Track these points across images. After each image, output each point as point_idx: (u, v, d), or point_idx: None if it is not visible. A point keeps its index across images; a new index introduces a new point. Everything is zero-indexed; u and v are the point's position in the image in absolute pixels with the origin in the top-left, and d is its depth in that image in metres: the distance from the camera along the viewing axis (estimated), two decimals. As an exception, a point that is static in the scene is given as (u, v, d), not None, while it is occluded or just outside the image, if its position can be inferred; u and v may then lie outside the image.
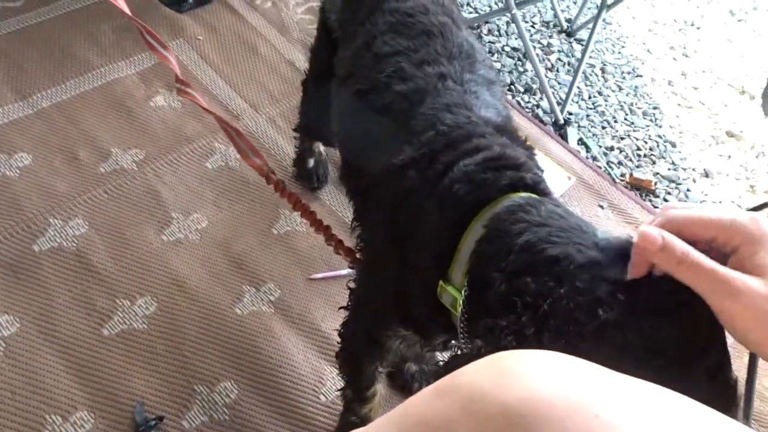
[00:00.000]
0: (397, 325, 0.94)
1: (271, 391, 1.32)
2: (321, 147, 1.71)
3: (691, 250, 0.50)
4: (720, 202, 2.02)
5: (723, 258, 0.53)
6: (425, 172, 0.87)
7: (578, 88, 2.30)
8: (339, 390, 1.20)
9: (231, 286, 1.48)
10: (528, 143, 0.95)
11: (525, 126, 2.02)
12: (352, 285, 1.11)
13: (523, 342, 0.59)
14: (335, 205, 1.70)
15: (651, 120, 2.26)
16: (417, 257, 0.86)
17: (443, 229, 0.82)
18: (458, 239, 0.78)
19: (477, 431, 0.32)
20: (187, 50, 2.03)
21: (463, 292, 0.77)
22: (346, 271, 1.55)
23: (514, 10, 2.05)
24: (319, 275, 1.54)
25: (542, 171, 0.88)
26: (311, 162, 1.69)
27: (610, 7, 2.29)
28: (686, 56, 2.57)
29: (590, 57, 2.43)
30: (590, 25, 2.27)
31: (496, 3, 2.56)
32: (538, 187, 0.82)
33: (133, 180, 1.65)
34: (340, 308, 1.12)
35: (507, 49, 2.40)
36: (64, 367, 1.30)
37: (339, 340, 1.13)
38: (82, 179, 1.63)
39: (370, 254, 1.05)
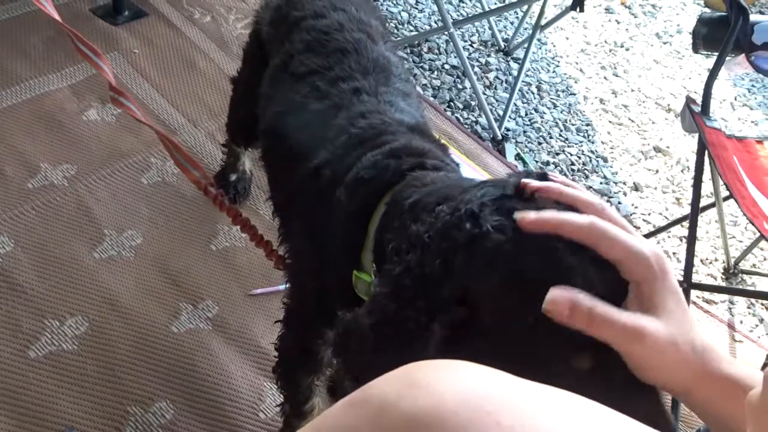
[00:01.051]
0: (325, 331, 0.94)
1: (208, 409, 1.29)
2: (247, 165, 1.70)
3: (597, 304, 0.50)
4: (649, 214, 2.11)
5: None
6: (336, 168, 0.90)
7: (515, 105, 2.37)
8: (278, 406, 1.19)
9: (167, 303, 1.44)
10: (442, 142, 0.98)
11: (463, 141, 2.07)
12: (287, 300, 1.11)
13: (414, 278, 0.59)
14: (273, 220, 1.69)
15: (584, 136, 2.35)
16: (332, 252, 0.87)
17: (351, 217, 0.84)
18: (367, 225, 0.80)
19: None
20: (122, 64, 1.99)
21: (373, 274, 0.78)
22: (285, 286, 1.53)
23: (452, 29, 2.10)
24: (259, 291, 1.52)
25: (455, 164, 0.92)
26: (233, 177, 1.67)
27: (543, 27, 2.38)
28: (617, 76, 2.69)
29: (526, 75, 2.51)
30: (526, 45, 2.34)
31: (435, 22, 2.62)
32: (439, 170, 0.85)
33: (64, 196, 1.59)
34: (276, 322, 1.12)
35: (446, 66, 2.45)
36: (-15, 392, 1.23)
37: (275, 354, 1.12)
38: (7, 195, 1.57)
39: (294, 262, 1.07)
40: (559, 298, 0.50)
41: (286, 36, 1.13)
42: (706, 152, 1.47)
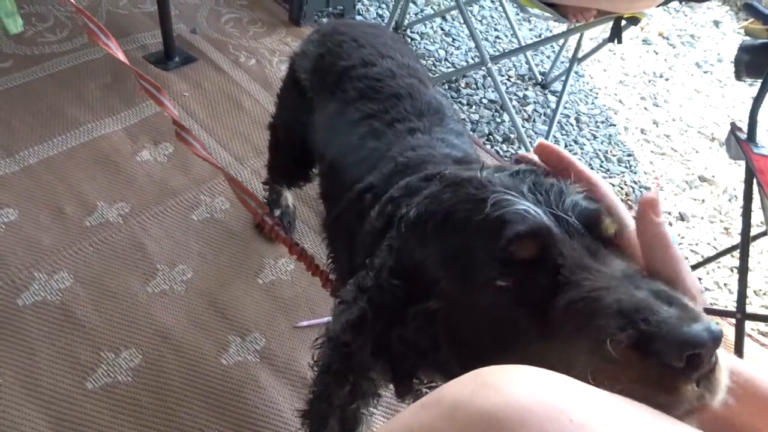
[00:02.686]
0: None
1: (257, 441, 1.30)
2: (289, 200, 1.75)
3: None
4: (697, 244, 2.07)
5: None
6: (378, 191, 0.93)
7: (554, 137, 2.37)
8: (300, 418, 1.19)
9: (216, 336, 1.48)
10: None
11: (504, 174, 2.07)
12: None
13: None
14: (319, 253, 1.72)
15: (626, 167, 2.33)
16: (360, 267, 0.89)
17: (377, 233, 0.86)
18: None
19: None
20: (173, 106, 2.07)
21: None
22: (330, 318, 1.55)
23: (489, 64, 2.13)
24: (305, 323, 1.54)
25: None
26: (277, 212, 1.73)
27: (581, 60, 2.39)
28: (657, 106, 2.67)
29: (565, 108, 2.52)
30: (563, 78, 2.36)
31: (472, 58, 2.66)
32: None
33: (119, 233, 1.66)
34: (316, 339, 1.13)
35: (484, 101, 2.49)
36: (46, 422, 1.27)
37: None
38: (67, 233, 1.64)
39: (339, 283, 1.08)
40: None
41: (337, 85, 1.17)
42: (755, 179, 1.45)
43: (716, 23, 3.28)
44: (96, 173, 1.82)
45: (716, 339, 0.45)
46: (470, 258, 0.58)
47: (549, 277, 0.54)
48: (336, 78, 1.19)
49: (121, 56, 1.32)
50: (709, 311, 1.08)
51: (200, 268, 1.62)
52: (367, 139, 1.06)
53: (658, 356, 0.45)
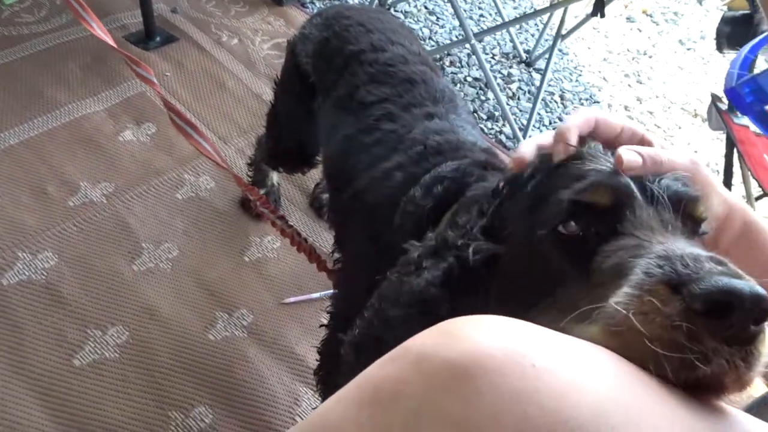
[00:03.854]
0: None
1: (246, 413, 1.31)
2: (275, 179, 1.74)
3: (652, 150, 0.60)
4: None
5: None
6: (411, 171, 0.92)
7: (539, 114, 2.38)
8: (314, 409, 1.20)
9: (203, 312, 1.48)
10: None
11: (489, 150, 2.08)
12: (333, 304, 1.13)
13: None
14: (307, 232, 1.73)
15: (609, 142, 2.35)
16: (395, 246, 0.88)
17: (424, 212, 0.85)
18: (437, 222, 0.81)
19: (426, 386, 0.35)
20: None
21: None
22: (317, 295, 1.56)
23: (473, 41, 2.13)
24: (292, 299, 1.55)
25: None
26: (263, 191, 1.71)
27: (564, 37, 2.40)
28: (640, 83, 2.69)
29: (549, 85, 2.53)
30: (547, 55, 2.37)
31: (456, 36, 2.66)
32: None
33: (103, 212, 1.65)
34: (321, 326, 1.14)
35: (469, 79, 2.49)
36: (33, 398, 1.27)
37: (317, 358, 1.14)
38: (50, 213, 1.63)
39: (348, 261, 1.08)
40: (626, 152, 0.56)
41: (345, 68, 1.16)
42: (735, 150, 1.47)
43: (699, 0, 3.29)
44: (78, 153, 1.80)
45: (757, 298, 0.41)
46: (546, 202, 0.58)
47: (611, 230, 0.53)
48: (344, 62, 1.18)
49: (111, 41, 1.31)
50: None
51: (186, 246, 1.62)
52: (383, 121, 1.05)
53: (685, 298, 0.43)
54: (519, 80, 2.54)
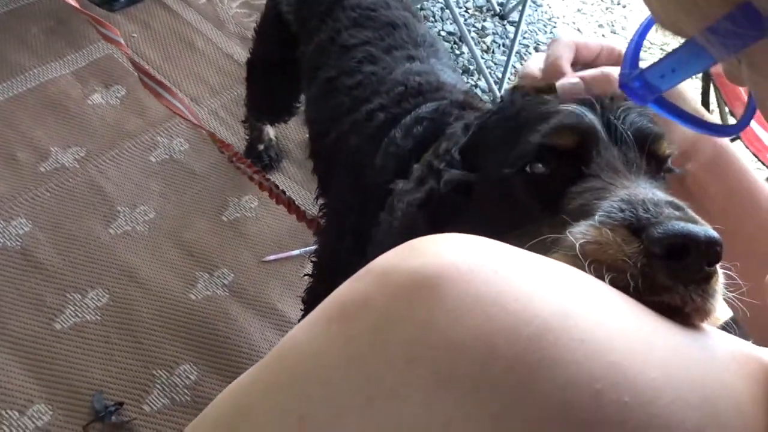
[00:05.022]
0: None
1: (230, 369, 1.33)
2: (271, 133, 1.74)
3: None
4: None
5: None
6: (392, 112, 0.93)
7: (514, 67, 2.37)
8: None
9: (184, 273, 1.48)
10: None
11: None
12: (317, 253, 1.14)
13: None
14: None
15: (584, 93, 2.35)
16: (378, 187, 0.89)
17: (405, 152, 0.86)
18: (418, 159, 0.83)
19: (391, 299, 0.35)
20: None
21: None
22: (297, 252, 1.57)
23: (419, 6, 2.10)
24: (272, 257, 1.55)
25: None
26: (261, 146, 1.72)
27: (537, -13, 2.38)
28: (615, 33, 2.68)
29: (524, 38, 2.51)
30: (521, 8, 2.35)
31: (429, -10, 2.62)
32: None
33: (75, 177, 1.63)
34: (304, 275, 1.15)
35: (443, 33, 2.46)
36: (16, 363, 1.27)
37: (302, 308, 1.16)
38: (21, 179, 1.60)
39: (333, 205, 1.10)
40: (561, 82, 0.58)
41: (327, 14, 1.16)
42: (711, 84, 1.49)
43: (670, -52, 3.28)
44: (47, 118, 1.76)
45: (712, 241, 0.44)
46: (516, 141, 0.60)
47: (578, 171, 0.55)
48: (326, 7, 1.18)
49: (74, 2, 1.28)
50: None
51: (163, 208, 1.61)
52: (365, 63, 1.06)
53: (644, 241, 0.45)
54: (493, 33, 2.53)
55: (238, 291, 1.47)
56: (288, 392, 0.36)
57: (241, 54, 2.06)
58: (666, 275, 0.44)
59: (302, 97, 1.45)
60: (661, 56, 0.34)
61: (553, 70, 0.62)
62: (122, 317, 1.38)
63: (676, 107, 0.41)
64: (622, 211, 0.48)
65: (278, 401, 0.36)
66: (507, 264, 0.36)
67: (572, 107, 0.58)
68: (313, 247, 1.39)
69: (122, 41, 1.31)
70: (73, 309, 1.38)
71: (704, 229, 0.45)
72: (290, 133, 1.86)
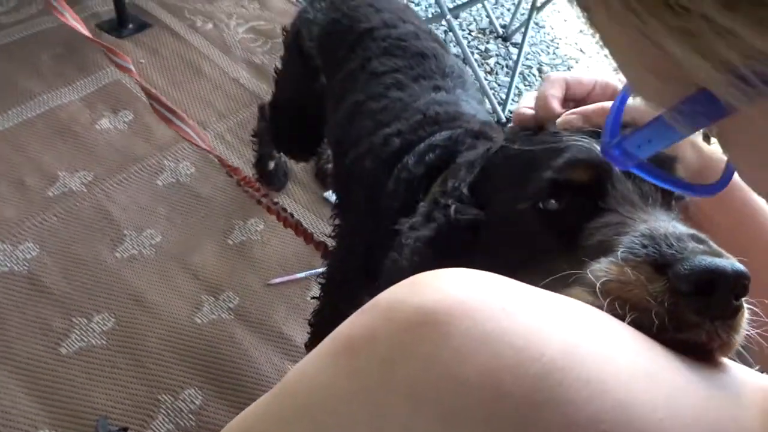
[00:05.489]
0: (363, 298, 0.97)
1: (235, 394, 1.32)
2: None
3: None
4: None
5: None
6: (408, 138, 0.95)
7: (517, 88, 2.38)
8: None
9: (189, 296, 1.48)
10: None
11: (468, 125, 2.09)
12: (325, 275, 1.15)
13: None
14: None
15: (588, 114, 2.36)
16: (389, 212, 0.89)
17: (416, 179, 0.86)
18: (428, 188, 0.83)
19: (397, 334, 0.35)
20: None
21: None
22: (302, 274, 1.57)
23: (448, 16, 2.13)
24: (277, 280, 1.55)
25: None
26: (272, 164, 1.73)
27: (539, 9, 2.40)
28: (616, 54, 2.70)
29: (526, 59, 2.53)
30: (524, 29, 2.37)
31: (432, 14, 2.65)
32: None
33: (83, 201, 1.64)
34: (311, 298, 1.15)
35: (467, 69, 2.48)
36: (21, 388, 1.27)
37: (308, 331, 1.16)
38: (30, 204, 1.62)
39: (346, 226, 1.10)
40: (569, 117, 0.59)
41: (357, 44, 1.18)
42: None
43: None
44: (55, 143, 1.78)
45: (739, 275, 0.43)
46: (528, 178, 0.59)
47: (593, 205, 0.54)
48: (356, 38, 1.20)
49: (86, 31, 1.31)
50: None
51: (169, 232, 1.61)
52: (392, 89, 1.07)
53: (671, 278, 0.44)
54: (496, 55, 2.55)
55: (244, 314, 1.47)
56: (297, 425, 0.36)
57: (247, 78, 2.09)
58: (694, 312, 0.43)
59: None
60: (638, 127, 0.35)
61: (543, 109, 0.63)
62: (127, 341, 1.38)
63: (657, 171, 0.41)
64: (644, 246, 0.47)
65: None
66: (514, 300, 0.36)
67: (583, 141, 0.58)
68: (319, 270, 1.40)
69: (133, 69, 1.34)
70: (78, 333, 1.38)
71: (731, 262, 0.44)
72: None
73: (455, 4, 2.72)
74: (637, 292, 0.45)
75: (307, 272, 1.56)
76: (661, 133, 0.33)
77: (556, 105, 0.62)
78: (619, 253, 0.48)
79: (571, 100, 0.65)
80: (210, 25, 2.29)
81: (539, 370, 0.32)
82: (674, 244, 0.46)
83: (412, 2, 2.71)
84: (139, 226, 1.61)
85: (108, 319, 1.41)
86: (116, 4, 2.15)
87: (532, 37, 2.64)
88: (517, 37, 2.59)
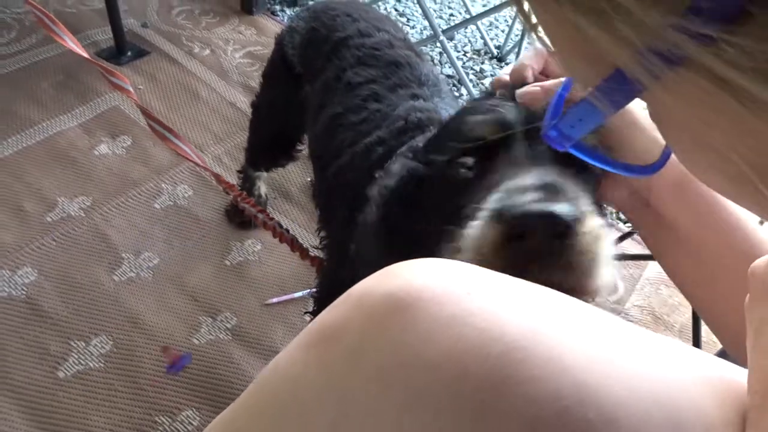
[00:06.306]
0: None
1: (233, 414, 1.31)
2: (262, 189, 1.75)
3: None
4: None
5: None
6: (391, 146, 0.96)
7: (512, 107, 2.41)
8: None
9: (187, 318, 1.48)
10: None
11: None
12: (315, 294, 1.15)
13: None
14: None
15: (583, 130, 2.38)
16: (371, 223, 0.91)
17: (392, 191, 0.88)
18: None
19: (366, 320, 0.37)
20: (129, 100, 2.06)
21: None
22: (300, 294, 1.57)
23: (441, 37, 2.16)
24: (275, 300, 1.56)
25: None
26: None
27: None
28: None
29: (520, 78, 2.56)
30: (517, 50, 2.40)
31: (427, 34, 2.69)
32: None
33: (81, 226, 1.65)
34: (305, 313, 1.15)
35: (441, 76, 2.51)
36: (19, 412, 1.27)
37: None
38: (28, 229, 1.63)
39: (333, 238, 1.12)
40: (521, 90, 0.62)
41: (333, 53, 1.20)
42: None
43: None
44: (54, 170, 1.80)
45: (553, 217, 0.47)
46: (452, 138, 0.66)
47: (494, 162, 0.60)
48: (332, 47, 1.21)
49: (84, 53, 1.34)
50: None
51: (166, 254, 1.62)
52: (370, 101, 1.08)
53: (501, 227, 0.50)
54: (491, 75, 2.57)
55: (241, 334, 1.47)
56: (269, 418, 0.37)
57: (244, 102, 2.11)
58: (523, 257, 0.47)
59: (305, 139, 1.48)
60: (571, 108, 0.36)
61: (518, 76, 0.65)
62: (125, 364, 1.38)
63: (591, 151, 0.43)
64: (499, 201, 0.53)
65: (260, 427, 0.37)
66: (478, 286, 0.37)
67: (506, 107, 0.63)
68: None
69: (131, 89, 1.36)
70: (76, 357, 1.38)
71: (547, 205, 0.48)
72: (292, 176, 1.89)
73: (448, 25, 2.76)
74: (487, 245, 0.50)
75: (305, 291, 1.57)
76: (589, 112, 0.34)
77: (528, 74, 0.66)
78: (484, 209, 0.53)
79: (548, 74, 0.67)
80: (207, 51, 2.32)
81: (501, 350, 0.32)
82: (517, 194, 0.52)
83: (407, 26, 2.75)
84: (136, 249, 1.62)
85: (106, 341, 1.41)
86: (115, 32, 2.18)
87: (525, 56, 2.67)
88: (511, 58, 2.62)
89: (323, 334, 0.38)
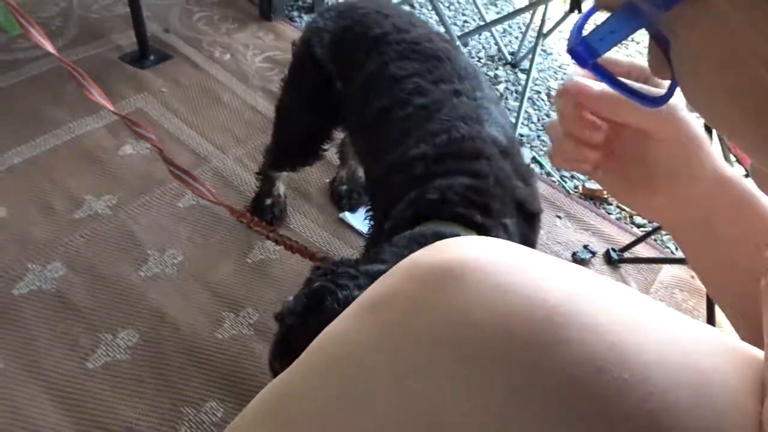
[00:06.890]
0: None
1: (256, 406, 1.35)
2: (281, 189, 1.78)
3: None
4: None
5: None
6: (431, 169, 1.01)
7: (527, 112, 2.44)
8: None
9: (210, 313, 1.52)
10: (529, 167, 1.12)
11: (479, 147, 2.14)
12: None
13: None
14: (314, 239, 1.78)
15: (596, 135, 2.41)
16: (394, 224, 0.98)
17: (404, 217, 0.94)
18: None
19: (418, 287, 0.40)
20: (152, 102, 2.12)
21: None
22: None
23: (457, 43, 2.20)
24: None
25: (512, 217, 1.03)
26: (268, 201, 1.76)
27: (546, 35, 2.47)
28: (623, 78, 2.75)
29: (535, 84, 2.59)
30: (531, 56, 2.43)
31: (442, 42, 2.73)
32: (480, 229, 0.98)
33: (108, 223, 1.70)
34: None
35: (477, 65, 2.55)
36: (50, 401, 1.31)
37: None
38: (57, 226, 1.68)
39: (374, 229, 1.20)
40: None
41: (373, 49, 1.23)
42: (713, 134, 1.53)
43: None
44: (81, 169, 1.85)
45: None
46: None
47: None
48: (371, 43, 1.24)
49: (110, 106, 1.42)
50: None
51: (190, 251, 1.67)
52: (414, 96, 1.11)
53: None
54: (505, 81, 2.61)
55: (263, 330, 1.51)
56: (326, 375, 0.40)
57: (264, 105, 2.16)
58: None
59: (333, 136, 1.51)
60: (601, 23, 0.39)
61: (554, 132, 0.66)
62: (152, 356, 1.42)
63: (609, 74, 0.45)
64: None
65: (317, 383, 0.41)
66: (523, 258, 0.40)
67: None
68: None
69: (154, 137, 1.43)
70: (104, 349, 1.42)
71: None
72: (310, 178, 1.93)
73: (463, 31, 2.81)
74: None
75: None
76: (623, 23, 0.37)
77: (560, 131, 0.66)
78: None
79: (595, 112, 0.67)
80: (228, 56, 2.38)
81: (545, 315, 0.36)
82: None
83: (422, 31, 2.79)
84: (162, 246, 1.66)
85: (133, 334, 1.45)
86: (138, 38, 2.24)
87: (539, 63, 2.71)
88: (525, 64, 2.66)
89: (374, 302, 0.41)
